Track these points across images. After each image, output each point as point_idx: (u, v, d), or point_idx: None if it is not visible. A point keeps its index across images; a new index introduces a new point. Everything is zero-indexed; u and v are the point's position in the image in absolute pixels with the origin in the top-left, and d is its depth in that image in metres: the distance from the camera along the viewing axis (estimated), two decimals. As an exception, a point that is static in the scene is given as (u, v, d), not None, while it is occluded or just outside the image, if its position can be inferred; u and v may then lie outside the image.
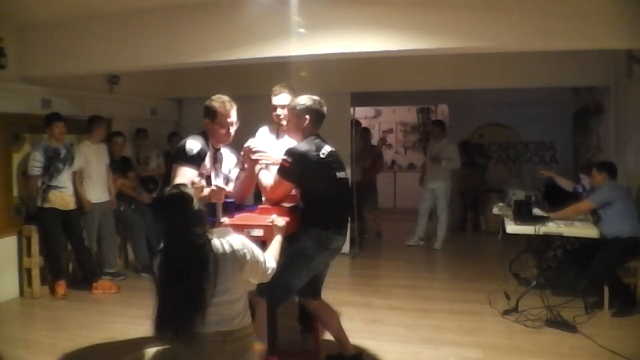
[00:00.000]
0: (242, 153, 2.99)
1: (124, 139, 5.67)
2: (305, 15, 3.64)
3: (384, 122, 10.85)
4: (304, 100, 2.94)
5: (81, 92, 5.43)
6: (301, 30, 3.66)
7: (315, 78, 4.99)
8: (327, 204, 2.86)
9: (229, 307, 2.09)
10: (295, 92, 3.27)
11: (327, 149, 2.90)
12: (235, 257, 2.08)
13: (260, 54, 3.91)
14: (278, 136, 3.37)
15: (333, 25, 3.73)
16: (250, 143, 3.00)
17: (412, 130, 10.60)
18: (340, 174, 2.95)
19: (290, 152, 2.82)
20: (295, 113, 2.93)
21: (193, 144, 2.78)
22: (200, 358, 2.05)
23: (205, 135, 2.92)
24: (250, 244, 2.17)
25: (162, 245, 2.07)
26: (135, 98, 6.31)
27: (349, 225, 3.05)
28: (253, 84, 5.85)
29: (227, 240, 2.10)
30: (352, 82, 6.09)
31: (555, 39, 3.48)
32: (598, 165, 4.45)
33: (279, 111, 3.25)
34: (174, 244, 2.02)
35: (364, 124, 9.28)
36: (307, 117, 2.91)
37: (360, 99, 7.21)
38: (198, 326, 1.99)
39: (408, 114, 10.56)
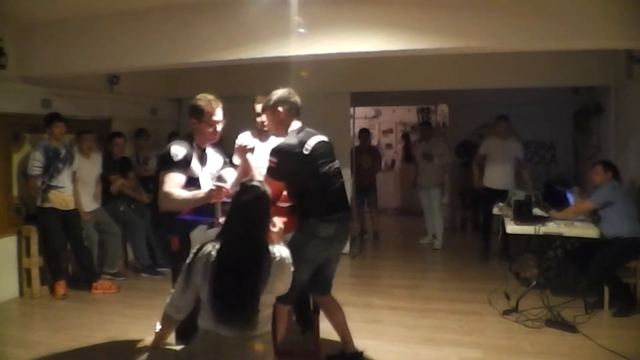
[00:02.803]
0: (236, 148, 3.07)
1: (124, 139, 5.66)
2: (305, 15, 3.64)
3: (384, 122, 10.84)
4: (273, 94, 3.00)
5: (81, 92, 5.43)
6: (301, 30, 3.66)
7: (315, 78, 5.00)
8: (307, 195, 2.90)
9: (260, 311, 2.12)
10: None
11: (311, 142, 2.90)
12: (281, 264, 2.16)
13: (260, 54, 3.91)
14: (261, 139, 3.48)
15: (333, 25, 3.73)
16: (242, 141, 3.11)
17: (412, 130, 10.58)
18: (324, 169, 2.93)
19: (274, 151, 2.87)
20: (269, 110, 3.00)
21: (178, 150, 2.77)
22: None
23: (190, 138, 2.91)
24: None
25: (223, 237, 2.13)
26: (135, 98, 6.30)
27: (342, 214, 3.01)
28: (253, 84, 5.84)
29: (277, 247, 2.19)
30: (352, 82, 6.09)
31: (555, 39, 3.48)
32: (605, 162, 4.42)
33: (263, 117, 3.42)
34: (242, 236, 2.10)
35: (364, 124, 9.28)
36: (280, 108, 2.96)
37: (360, 99, 7.21)
38: (251, 325, 2.06)
39: (408, 114, 10.54)
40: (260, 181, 2.28)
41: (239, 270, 2.06)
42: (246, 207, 2.12)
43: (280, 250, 2.18)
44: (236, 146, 3.12)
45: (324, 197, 2.93)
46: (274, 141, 3.45)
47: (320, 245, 2.91)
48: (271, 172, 2.85)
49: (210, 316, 2.07)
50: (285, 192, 2.98)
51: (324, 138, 3.00)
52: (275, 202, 2.89)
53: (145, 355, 2.17)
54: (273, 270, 2.11)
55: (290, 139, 2.90)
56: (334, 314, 3.16)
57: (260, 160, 3.12)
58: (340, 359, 3.20)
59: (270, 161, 2.85)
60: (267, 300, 2.14)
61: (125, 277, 5.38)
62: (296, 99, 3.01)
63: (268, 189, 2.20)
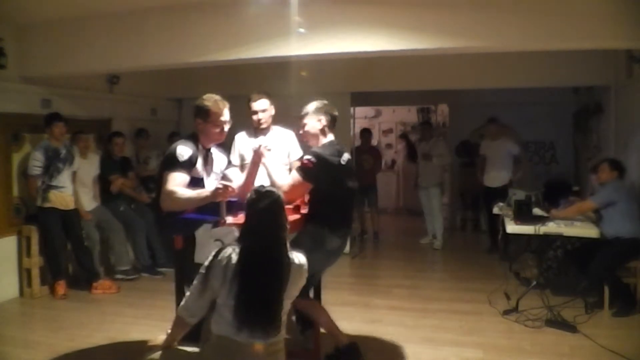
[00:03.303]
0: (254, 149, 3.06)
1: (124, 139, 5.66)
2: (305, 15, 3.64)
3: (384, 122, 10.84)
4: (315, 103, 3.05)
5: (81, 92, 5.43)
6: (301, 30, 3.66)
7: (315, 78, 5.00)
8: (327, 205, 2.92)
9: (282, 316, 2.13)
10: (271, 98, 3.50)
11: (346, 156, 3.00)
12: (299, 270, 2.17)
13: (260, 54, 3.91)
14: (257, 137, 3.50)
15: (333, 25, 3.73)
16: (261, 141, 3.11)
17: (412, 130, 10.59)
18: (349, 184, 3.03)
19: (315, 154, 2.89)
20: (310, 116, 3.02)
21: (183, 150, 2.76)
22: None
23: (194, 138, 2.89)
24: None
25: (242, 241, 2.14)
26: (135, 98, 6.31)
27: (348, 230, 3.09)
28: (252, 84, 5.84)
29: (296, 254, 2.20)
30: (352, 82, 6.10)
31: (555, 39, 3.48)
32: (611, 161, 4.41)
33: (260, 115, 3.50)
34: (263, 240, 2.10)
35: (364, 124, 9.29)
36: (322, 117, 3.01)
37: (360, 99, 7.21)
38: (274, 330, 2.06)
39: (408, 114, 10.54)
40: (271, 186, 2.28)
41: (263, 273, 2.05)
42: (264, 212, 2.13)
43: (298, 257, 2.19)
44: (254, 148, 3.09)
45: (340, 210, 2.99)
46: (272, 139, 3.47)
47: (323, 255, 2.94)
48: (306, 172, 2.87)
49: (229, 322, 2.04)
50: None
51: (349, 156, 3.07)
52: (293, 203, 2.91)
53: (157, 354, 2.17)
54: (291, 274, 2.12)
55: (330, 148, 2.97)
56: (320, 313, 3.14)
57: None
58: (338, 356, 3.19)
59: (309, 161, 2.87)
60: (285, 306, 2.14)
61: (137, 276, 5.36)
62: (336, 112, 3.09)
63: (282, 194, 2.21)
